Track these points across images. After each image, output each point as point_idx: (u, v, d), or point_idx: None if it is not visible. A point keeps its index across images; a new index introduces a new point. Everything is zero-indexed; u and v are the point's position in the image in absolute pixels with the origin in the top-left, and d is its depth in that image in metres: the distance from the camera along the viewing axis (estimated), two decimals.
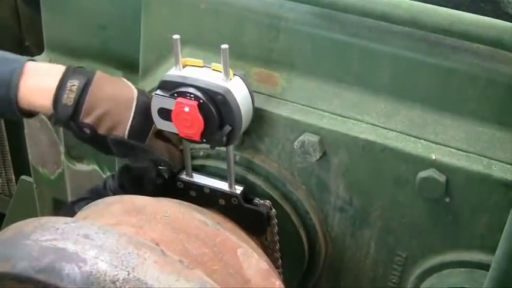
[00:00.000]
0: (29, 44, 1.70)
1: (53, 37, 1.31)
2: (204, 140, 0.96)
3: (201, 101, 0.93)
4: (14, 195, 1.75)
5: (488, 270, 0.82)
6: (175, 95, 0.94)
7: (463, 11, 0.89)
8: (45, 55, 1.32)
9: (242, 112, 0.95)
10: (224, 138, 0.95)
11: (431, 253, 1.01)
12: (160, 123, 0.98)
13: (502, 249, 0.79)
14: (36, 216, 1.21)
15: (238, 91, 0.94)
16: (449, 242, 0.98)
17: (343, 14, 0.97)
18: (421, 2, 0.91)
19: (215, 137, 0.95)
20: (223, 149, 1.05)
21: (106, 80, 0.98)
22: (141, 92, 0.99)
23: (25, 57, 0.99)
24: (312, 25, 1.01)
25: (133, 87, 0.99)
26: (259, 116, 1.02)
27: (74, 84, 0.96)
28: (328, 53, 1.01)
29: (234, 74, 0.95)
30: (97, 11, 1.24)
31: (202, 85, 0.93)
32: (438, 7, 0.90)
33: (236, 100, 0.94)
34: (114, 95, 0.97)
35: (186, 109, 0.93)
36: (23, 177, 1.64)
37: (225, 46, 0.91)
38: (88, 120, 0.96)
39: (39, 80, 0.97)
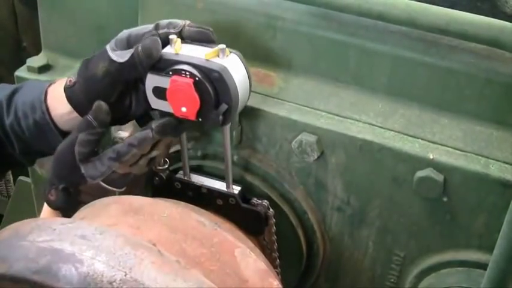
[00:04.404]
0: (27, 45, 1.70)
1: (51, 37, 1.31)
2: (200, 119, 0.94)
3: (197, 78, 0.90)
4: (11, 196, 1.75)
5: (486, 270, 0.82)
6: (170, 72, 0.92)
7: (460, 10, 0.89)
8: (42, 55, 1.32)
9: (239, 90, 0.92)
10: (220, 117, 0.92)
11: (429, 252, 1.01)
12: (155, 103, 0.96)
13: (500, 249, 0.79)
14: (35, 217, 1.22)
15: (235, 69, 0.92)
16: (447, 242, 0.98)
17: (340, 14, 0.97)
18: (418, 1, 0.91)
19: (211, 116, 0.92)
20: (220, 149, 1.05)
21: None
22: None
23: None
24: (309, 25, 1.01)
25: None
26: (256, 115, 1.02)
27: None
28: (326, 52, 1.01)
29: (230, 52, 0.93)
30: (94, 11, 1.24)
31: (197, 62, 0.91)
32: (435, 6, 0.90)
33: (233, 78, 0.91)
34: None
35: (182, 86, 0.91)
36: (21, 177, 1.65)
37: (222, 46, 0.91)
38: None
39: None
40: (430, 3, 0.91)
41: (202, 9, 1.06)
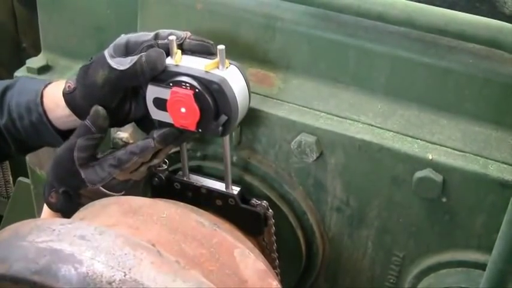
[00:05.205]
0: (26, 46, 1.70)
1: (50, 38, 1.31)
2: (200, 130, 0.95)
3: (197, 90, 0.91)
4: (11, 196, 1.75)
5: (484, 270, 0.82)
6: (171, 84, 0.93)
7: (459, 10, 0.89)
8: (42, 56, 1.32)
9: (238, 101, 0.93)
10: (220, 128, 0.93)
11: (429, 253, 1.01)
12: (155, 113, 0.97)
13: (498, 249, 0.79)
14: (34, 217, 1.22)
15: (234, 80, 0.93)
16: (446, 242, 0.98)
17: (339, 14, 0.97)
18: (416, 2, 0.91)
19: (211, 126, 0.94)
20: (220, 149, 1.05)
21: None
22: None
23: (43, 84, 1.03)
24: (308, 25, 1.01)
25: None
26: (255, 116, 1.02)
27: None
28: (325, 53, 1.01)
29: (230, 63, 0.94)
30: (93, 12, 1.24)
31: (197, 74, 0.92)
32: (433, 7, 0.90)
33: (232, 89, 0.92)
34: None
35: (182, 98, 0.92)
36: (21, 178, 1.65)
37: (221, 47, 0.91)
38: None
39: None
40: (428, 3, 0.91)
41: (202, 10, 1.06)
